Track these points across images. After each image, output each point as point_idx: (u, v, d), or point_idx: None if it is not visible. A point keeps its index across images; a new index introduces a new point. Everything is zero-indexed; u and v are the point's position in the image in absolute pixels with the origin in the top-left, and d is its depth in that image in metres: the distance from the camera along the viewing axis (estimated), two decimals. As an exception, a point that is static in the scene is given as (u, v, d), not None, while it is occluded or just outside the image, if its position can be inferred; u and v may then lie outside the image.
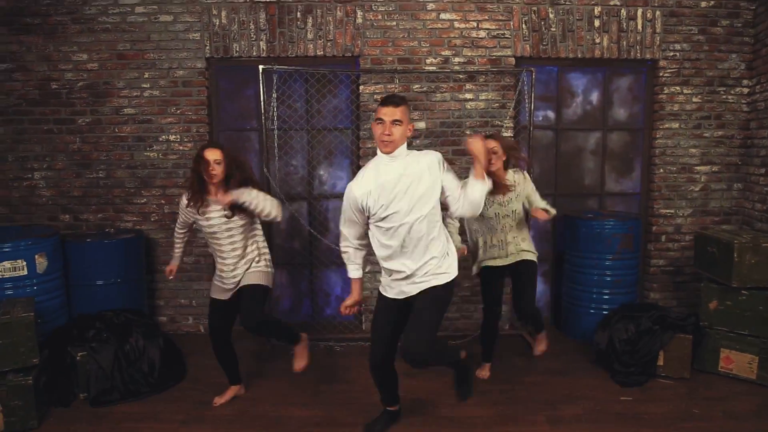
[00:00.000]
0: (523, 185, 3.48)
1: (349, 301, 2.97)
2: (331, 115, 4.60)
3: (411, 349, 2.64)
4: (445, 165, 2.72)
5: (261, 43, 4.37)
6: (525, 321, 3.92)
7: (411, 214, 2.62)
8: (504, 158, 3.39)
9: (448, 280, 2.75)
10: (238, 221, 3.16)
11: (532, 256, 3.54)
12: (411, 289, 2.76)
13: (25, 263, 3.56)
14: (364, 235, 2.85)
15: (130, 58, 4.39)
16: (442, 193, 2.70)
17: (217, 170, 3.07)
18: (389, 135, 2.59)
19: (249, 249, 3.25)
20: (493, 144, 3.30)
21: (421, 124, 4.46)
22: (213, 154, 3.07)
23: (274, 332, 3.39)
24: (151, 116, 4.44)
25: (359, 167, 4.48)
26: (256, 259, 3.27)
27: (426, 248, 2.69)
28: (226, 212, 3.13)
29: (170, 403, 3.44)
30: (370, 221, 2.73)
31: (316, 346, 4.34)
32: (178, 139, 4.46)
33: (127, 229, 4.43)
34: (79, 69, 4.37)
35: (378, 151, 2.70)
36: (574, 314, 4.45)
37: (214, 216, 3.15)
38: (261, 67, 4.11)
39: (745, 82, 4.57)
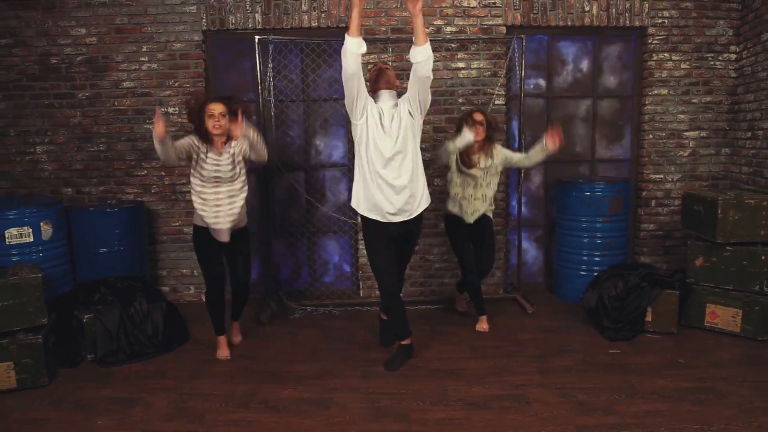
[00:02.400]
0: (499, 155, 3.86)
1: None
2: (327, 85, 4.68)
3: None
4: None
5: (256, 15, 4.44)
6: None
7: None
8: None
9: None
10: (239, 168, 3.33)
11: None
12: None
13: (31, 230, 3.66)
14: None
15: (128, 32, 4.46)
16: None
17: (223, 122, 3.17)
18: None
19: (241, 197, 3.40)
20: (480, 117, 3.75)
21: (415, 94, 4.54)
22: (217, 108, 3.16)
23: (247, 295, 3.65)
24: (149, 89, 4.52)
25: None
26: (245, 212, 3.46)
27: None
28: (232, 154, 3.28)
29: (175, 362, 3.57)
30: None
31: (315, 311, 4.48)
32: (177, 111, 4.54)
33: (128, 200, 4.53)
34: (78, 43, 4.45)
35: None
36: (566, 277, 4.57)
37: (222, 161, 3.29)
38: (257, 37, 4.19)
39: (732, 48, 4.65)
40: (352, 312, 4.46)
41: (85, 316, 3.55)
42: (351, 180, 4.66)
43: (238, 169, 3.34)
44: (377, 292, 4.69)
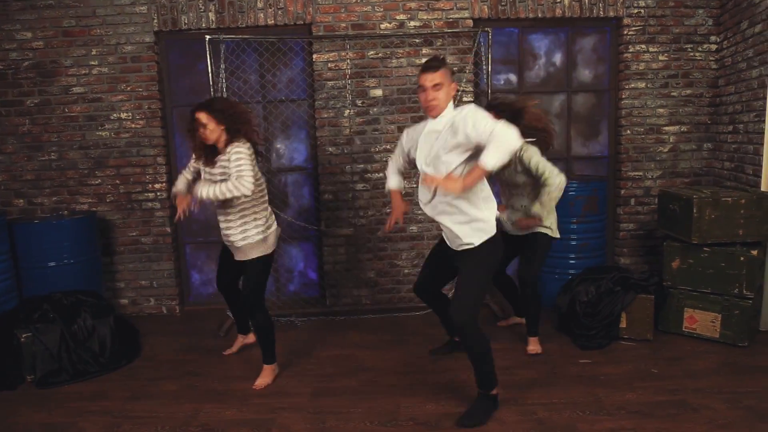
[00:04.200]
0: (524, 161, 3.29)
1: (391, 216, 3.07)
2: (286, 86, 4.49)
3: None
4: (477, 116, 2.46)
5: (210, 14, 4.25)
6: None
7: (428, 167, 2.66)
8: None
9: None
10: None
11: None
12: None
13: (-33, 246, 3.48)
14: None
15: (76, 34, 4.27)
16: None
17: (206, 133, 2.95)
18: (433, 100, 2.58)
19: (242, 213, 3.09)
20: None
21: (378, 92, 4.34)
22: (200, 117, 2.94)
23: (260, 333, 3.25)
24: (101, 94, 4.33)
25: (316, 138, 4.39)
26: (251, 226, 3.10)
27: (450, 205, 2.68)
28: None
29: (119, 381, 3.37)
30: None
31: (277, 321, 4.26)
32: (130, 117, 4.35)
33: (81, 211, 4.34)
34: (24, 48, 4.26)
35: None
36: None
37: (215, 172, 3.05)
38: (207, 37, 3.99)
39: (712, 38, 4.42)
40: (316, 322, 4.26)
41: (23, 336, 3.36)
42: (316, 184, 4.47)
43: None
44: (344, 300, 4.52)
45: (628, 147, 4.51)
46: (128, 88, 4.33)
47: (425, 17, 4.31)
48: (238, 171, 2.87)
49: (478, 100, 4.37)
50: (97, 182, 4.41)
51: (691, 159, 4.55)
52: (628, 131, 4.50)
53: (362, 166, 4.40)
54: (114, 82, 4.32)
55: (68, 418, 2.94)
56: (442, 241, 2.90)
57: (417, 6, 4.29)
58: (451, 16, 4.31)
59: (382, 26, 4.29)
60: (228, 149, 2.95)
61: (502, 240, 2.80)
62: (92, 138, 4.37)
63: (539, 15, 4.33)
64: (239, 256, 3.15)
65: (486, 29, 4.14)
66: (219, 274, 3.48)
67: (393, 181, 3.10)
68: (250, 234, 3.07)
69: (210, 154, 3.04)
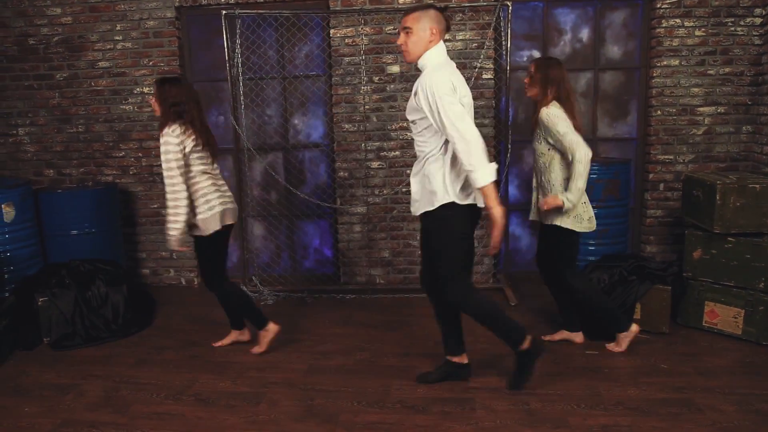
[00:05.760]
0: (544, 121, 2.96)
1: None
2: (305, 62, 4.45)
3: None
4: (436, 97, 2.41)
5: (229, -11, 4.25)
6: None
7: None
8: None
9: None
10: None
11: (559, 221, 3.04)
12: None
13: (-9, 213, 3.66)
14: None
15: (101, 10, 4.37)
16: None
17: (153, 105, 3.03)
18: (402, 44, 2.56)
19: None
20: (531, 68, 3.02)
21: (395, 68, 4.25)
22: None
23: (230, 306, 3.33)
24: (125, 69, 4.43)
25: (333, 115, 4.35)
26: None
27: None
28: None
29: (127, 348, 3.49)
30: None
31: (288, 297, 4.31)
32: (152, 92, 4.42)
33: (103, 182, 4.49)
34: (54, 23, 4.39)
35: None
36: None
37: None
38: (224, 12, 4.00)
39: (757, 11, 4.08)
40: (327, 300, 4.27)
41: (41, 299, 3.52)
42: (331, 161, 4.45)
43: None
44: (357, 279, 4.50)
45: (658, 129, 4.26)
46: (150, 63, 4.40)
47: (446, -9, 4.16)
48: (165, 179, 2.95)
49: (497, 77, 4.21)
50: (121, 155, 4.54)
51: (728, 142, 4.25)
52: (659, 112, 4.24)
53: (378, 143, 4.34)
54: (137, 57, 4.41)
55: (73, 380, 3.08)
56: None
57: (437, -21, 4.15)
58: (473, -10, 4.15)
59: (401, 0, 4.17)
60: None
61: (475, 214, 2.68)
62: (116, 111, 4.48)
63: (567, -12, 4.12)
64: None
65: (506, 3, 3.96)
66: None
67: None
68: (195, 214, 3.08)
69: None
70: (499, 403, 2.72)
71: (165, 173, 2.94)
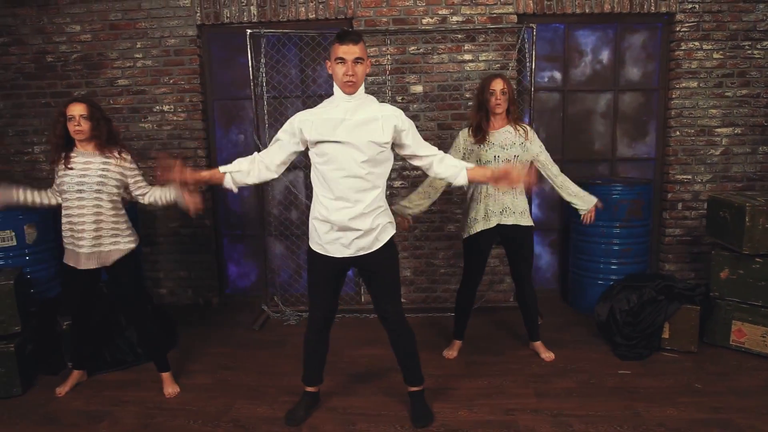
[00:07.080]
0: (531, 138, 3.25)
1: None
2: (326, 81, 4.46)
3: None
4: (406, 123, 2.58)
5: (252, 7, 4.25)
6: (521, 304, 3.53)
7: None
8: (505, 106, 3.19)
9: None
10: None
11: (529, 222, 3.34)
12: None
13: (14, 234, 3.58)
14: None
15: (122, 28, 4.34)
16: (402, 149, 2.64)
17: (83, 126, 2.89)
18: (352, 75, 2.46)
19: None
20: (502, 84, 3.15)
21: (418, 88, 4.28)
22: (78, 109, 2.88)
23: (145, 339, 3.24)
24: (144, 87, 4.40)
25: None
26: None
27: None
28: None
29: (154, 372, 3.40)
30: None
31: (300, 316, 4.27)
32: (172, 110, 4.41)
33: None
34: (73, 41, 4.36)
35: (335, 91, 2.57)
36: (581, 286, 4.23)
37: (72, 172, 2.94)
38: (248, 31, 4.00)
39: (773, 34, 4.19)
40: (350, 319, 4.25)
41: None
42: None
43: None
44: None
45: (677, 149, 4.33)
46: (171, 81, 4.38)
47: (468, 12, 4.21)
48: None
49: (521, 98, 4.26)
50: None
51: (745, 163, 4.33)
52: (678, 132, 4.31)
53: (400, 162, 4.35)
54: (157, 75, 4.38)
55: (104, 406, 3.02)
56: None
57: (460, 0, 4.19)
58: (495, 11, 4.20)
59: (424, 21, 4.21)
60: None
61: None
62: (135, 130, 4.44)
63: (586, 10, 4.18)
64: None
65: (531, 25, 4.01)
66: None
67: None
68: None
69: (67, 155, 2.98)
70: (543, 427, 2.72)
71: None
